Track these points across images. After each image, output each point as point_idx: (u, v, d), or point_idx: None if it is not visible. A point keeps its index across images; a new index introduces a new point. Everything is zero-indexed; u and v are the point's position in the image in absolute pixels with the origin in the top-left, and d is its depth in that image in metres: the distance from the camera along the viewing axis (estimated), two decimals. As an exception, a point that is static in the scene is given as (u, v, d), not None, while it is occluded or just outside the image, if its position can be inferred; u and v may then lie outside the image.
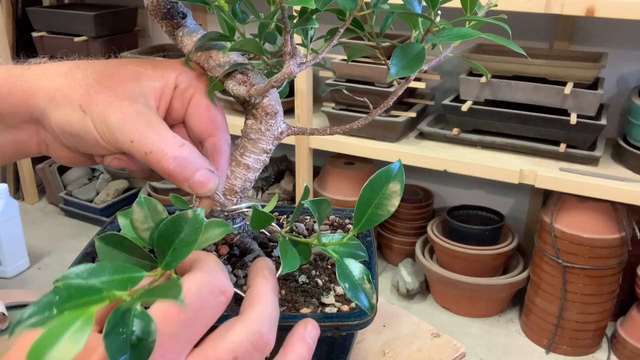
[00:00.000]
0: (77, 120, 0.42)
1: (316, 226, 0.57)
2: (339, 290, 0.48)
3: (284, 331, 0.43)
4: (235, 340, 0.33)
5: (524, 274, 1.66)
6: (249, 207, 0.46)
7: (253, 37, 0.45)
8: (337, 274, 0.40)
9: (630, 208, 1.47)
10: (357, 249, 0.43)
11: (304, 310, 0.45)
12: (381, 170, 0.40)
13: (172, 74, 0.45)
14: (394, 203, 0.40)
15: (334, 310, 0.45)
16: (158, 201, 0.40)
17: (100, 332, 0.29)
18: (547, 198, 1.63)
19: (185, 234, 0.34)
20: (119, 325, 0.29)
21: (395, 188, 0.40)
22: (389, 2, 0.42)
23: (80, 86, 0.42)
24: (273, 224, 0.44)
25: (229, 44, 0.45)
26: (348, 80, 1.66)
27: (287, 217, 0.59)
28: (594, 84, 1.50)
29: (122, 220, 0.43)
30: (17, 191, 2.44)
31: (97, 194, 2.27)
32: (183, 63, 0.46)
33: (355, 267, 0.40)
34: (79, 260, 0.50)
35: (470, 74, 1.58)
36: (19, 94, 0.43)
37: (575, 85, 1.43)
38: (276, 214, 0.58)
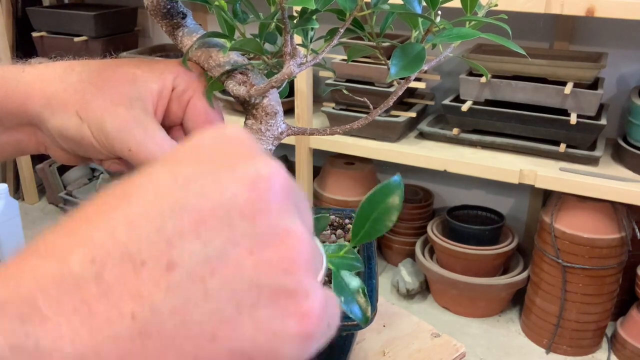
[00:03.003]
0: (74, 127, 0.41)
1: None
2: (339, 290, 0.48)
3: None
4: None
5: (524, 274, 1.66)
6: None
7: (253, 37, 0.45)
8: (333, 287, 0.40)
9: (630, 208, 1.47)
10: (354, 260, 0.43)
11: (304, 311, 0.45)
12: (380, 186, 0.41)
13: (170, 75, 0.45)
14: (392, 218, 0.40)
15: (334, 310, 0.45)
16: None
17: None
18: (547, 198, 1.63)
19: None
20: None
21: (394, 203, 0.40)
22: (389, 2, 0.42)
23: (76, 90, 0.42)
24: None
25: (228, 44, 0.45)
26: (348, 80, 1.66)
27: (287, 217, 0.59)
28: (594, 84, 1.50)
29: None
30: (17, 191, 2.44)
31: (97, 194, 2.26)
32: (181, 64, 0.46)
33: (351, 281, 0.40)
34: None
35: (470, 74, 1.57)
36: (15, 98, 0.42)
37: (575, 85, 1.43)
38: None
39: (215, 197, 0.21)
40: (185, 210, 0.21)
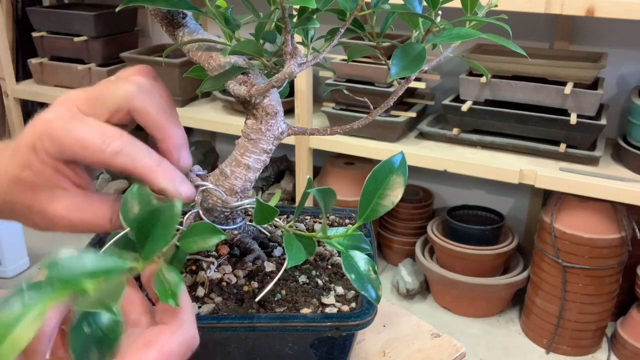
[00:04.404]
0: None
1: (317, 225, 0.57)
2: (339, 290, 0.48)
3: (285, 331, 0.43)
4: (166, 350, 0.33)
5: (524, 274, 1.66)
6: (252, 202, 0.46)
7: (252, 39, 0.45)
8: (343, 266, 0.40)
9: (630, 208, 1.47)
10: (362, 241, 0.43)
11: (304, 311, 0.45)
12: (384, 162, 0.40)
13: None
14: (397, 194, 0.40)
15: (334, 310, 0.45)
16: (150, 192, 0.40)
17: None
18: (547, 198, 1.63)
19: (161, 225, 0.35)
20: (85, 319, 0.30)
21: (399, 179, 0.40)
22: (389, 2, 0.42)
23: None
24: (276, 219, 0.44)
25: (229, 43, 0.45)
26: (348, 80, 1.66)
27: (287, 217, 0.59)
28: (594, 84, 1.50)
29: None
30: (17, 191, 2.43)
31: (97, 194, 2.26)
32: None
33: (361, 259, 0.40)
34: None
35: (470, 74, 1.58)
36: None
37: (575, 85, 1.43)
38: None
39: None
40: None
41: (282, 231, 0.45)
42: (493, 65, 1.52)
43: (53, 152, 0.40)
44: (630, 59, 1.62)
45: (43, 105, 2.42)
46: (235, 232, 0.50)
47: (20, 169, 0.42)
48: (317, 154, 1.78)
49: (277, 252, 0.52)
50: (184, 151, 0.43)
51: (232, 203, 0.47)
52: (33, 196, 0.42)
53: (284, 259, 0.42)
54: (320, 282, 0.49)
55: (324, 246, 0.53)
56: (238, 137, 0.49)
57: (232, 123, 1.75)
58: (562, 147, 1.46)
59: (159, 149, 0.43)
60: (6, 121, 2.27)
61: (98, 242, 0.54)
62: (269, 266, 0.49)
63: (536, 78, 1.49)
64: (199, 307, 0.45)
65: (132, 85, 0.42)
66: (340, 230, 0.43)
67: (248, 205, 0.47)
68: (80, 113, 0.41)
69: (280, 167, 2.07)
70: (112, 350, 0.30)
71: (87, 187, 0.44)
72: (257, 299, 0.45)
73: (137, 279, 0.46)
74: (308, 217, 0.59)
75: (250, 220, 0.52)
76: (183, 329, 0.34)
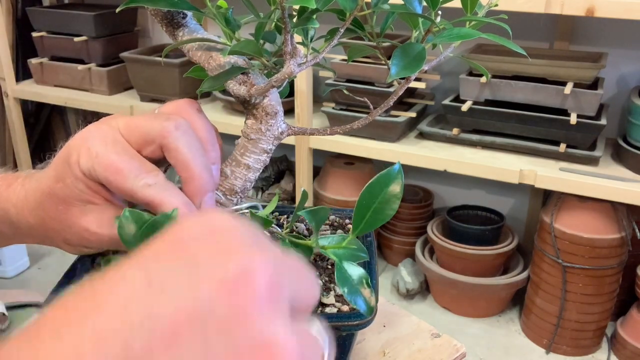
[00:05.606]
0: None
1: (314, 235, 0.57)
2: (339, 290, 0.48)
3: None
4: None
5: (524, 274, 1.66)
6: (250, 207, 0.46)
7: (252, 40, 0.45)
8: (336, 278, 0.40)
9: (630, 208, 1.47)
10: (357, 250, 0.42)
11: (304, 311, 0.45)
12: (380, 175, 0.40)
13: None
14: (394, 207, 0.40)
15: (334, 310, 0.45)
16: (142, 211, 0.40)
17: None
18: (547, 198, 1.63)
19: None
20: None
21: (395, 192, 0.40)
22: (389, 2, 0.42)
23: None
24: (273, 225, 0.44)
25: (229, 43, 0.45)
26: (348, 80, 1.66)
27: (287, 217, 0.59)
28: (594, 84, 1.50)
29: None
30: (17, 191, 2.43)
31: (97, 194, 2.26)
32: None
33: (354, 271, 0.40)
34: (78, 260, 0.50)
35: (470, 74, 1.57)
36: None
37: (575, 85, 1.43)
38: (276, 214, 0.58)
39: (190, 305, 0.20)
40: (157, 322, 0.20)
41: (278, 236, 0.45)
42: (493, 65, 1.52)
43: (85, 168, 0.40)
44: (630, 59, 1.62)
45: (43, 106, 2.42)
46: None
47: (54, 182, 0.42)
48: (317, 154, 1.78)
49: (277, 252, 0.52)
50: (208, 197, 0.43)
51: (231, 207, 0.47)
52: (65, 210, 0.42)
53: (284, 259, 0.42)
54: (320, 282, 0.49)
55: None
56: (238, 137, 0.48)
57: (232, 123, 1.75)
58: (562, 147, 1.46)
59: (185, 192, 0.42)
60: (6, 121, 2.27)
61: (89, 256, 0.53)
62: (269, 266, 0.49)
63: (536, 78, 1.49)
64: (199, 307, 0.45)
65: (170, 122, 0.42)
66: (336, 239, 0.43)
67: (246, 210, 0.47)
68: (123, 139, 0.41)
69: (280, 167, 2.07)
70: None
71: (119, 202, 0.44)
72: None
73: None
74: (308, 217, 0.59)
75: (250, 221, 0.52)
76: None
